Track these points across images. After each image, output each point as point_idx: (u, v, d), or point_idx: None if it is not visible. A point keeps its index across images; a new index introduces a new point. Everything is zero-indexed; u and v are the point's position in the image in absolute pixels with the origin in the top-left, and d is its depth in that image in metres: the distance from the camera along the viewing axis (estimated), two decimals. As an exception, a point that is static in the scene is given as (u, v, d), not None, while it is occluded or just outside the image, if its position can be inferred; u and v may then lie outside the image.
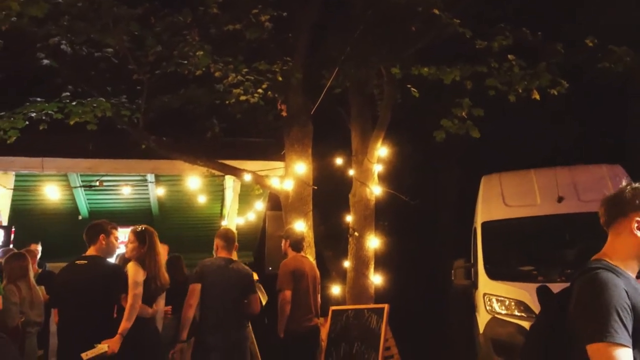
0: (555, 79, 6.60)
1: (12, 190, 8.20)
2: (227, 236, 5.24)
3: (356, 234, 7.34)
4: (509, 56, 6.52)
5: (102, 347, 4.09)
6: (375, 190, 7.52)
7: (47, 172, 8.28)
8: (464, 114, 6.40)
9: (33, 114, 6.42)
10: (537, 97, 6.50)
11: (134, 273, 4.34)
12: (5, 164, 7.84)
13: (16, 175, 8.31)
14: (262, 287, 6.63)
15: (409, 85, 6.90)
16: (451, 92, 6.77)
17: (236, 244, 5.37)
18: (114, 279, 4.40)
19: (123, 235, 8.82)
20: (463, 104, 6.45)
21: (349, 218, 7.58)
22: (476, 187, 8.19)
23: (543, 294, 2.35)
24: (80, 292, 4.33)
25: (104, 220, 4.70)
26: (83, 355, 4.05)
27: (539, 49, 6.69)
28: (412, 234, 12.81)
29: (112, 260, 5.06)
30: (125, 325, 4.17)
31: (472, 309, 7.71)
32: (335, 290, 7.73)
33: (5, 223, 8.07)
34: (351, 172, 7.67)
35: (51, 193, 8.36)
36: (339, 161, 7.95)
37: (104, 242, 4.50)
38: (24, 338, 5.36)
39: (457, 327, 11.46)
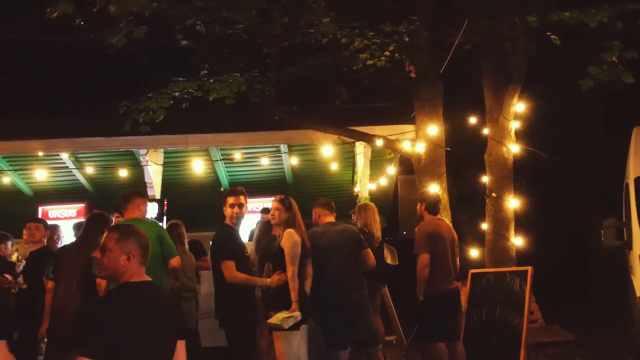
0: None
1: (162, 166, 8.90)
2: (327, 203, 5.37)
3: (494, 195, 7.07)
4: (667, -11, 5.81)
5: (298, 314, 4.36)
6: (513, 148, 7.16)
7: (191, 148, 8.88)
8: (614, 58, 5.80)
9: (176, 93, 6.86)
10: (702, 32, 5.74)
11: (295, 242, 4.53)
12: (154, 142, 8.52)
13: (164, 152, 9.00)
14: (395, 251, 6.64)
15: (548, 33, 6.40)
16: (596, 36, 6.17)
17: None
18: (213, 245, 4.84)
19: (257, 205, 9.31)
20: (613, 47, 5.84)
21: (485, 179, 7.31)
22: (621, 140, 7.48)
23: None
24: None
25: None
26: (284, 325, 4.31)
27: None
28: (553, 193, 12.09)
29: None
30: (295, 295, 4.44)
31: (624, 271, 7.15)
32: (473, 253, 7.53)
33: (158, 197, 8.81)
34: (485, 131, 7.36)
35: (195, 167, 8.97)
36: (472, 120, 7.64)
37: (224, 212, 4.89)
38: (180, 301, 5.82)
39: (606, 290, 10.73)
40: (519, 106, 7.13)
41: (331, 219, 5.26)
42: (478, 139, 7.65)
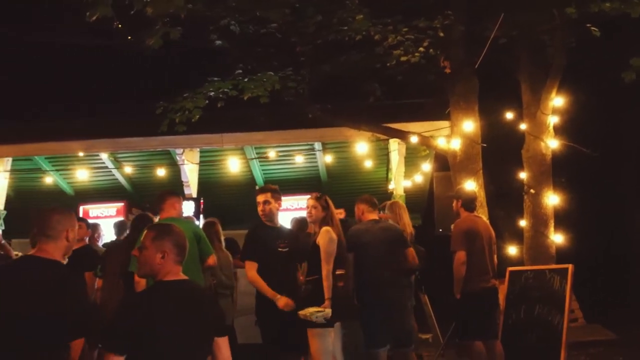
0: None
1: (198, 165, 9.02)
2: (371, 200, 5.33)
3: (532, 191, 6.94)
4: None
5: (328, 311, 4.39)
6: (551, 143, 7.01)
7: (227, 147, 8.97)
8: (657, 50, 5.64)
9: (212, 93, 6.94)
10: None
11: (328, 243, 4.53)
12: (190, 141, 8.65)
13: (200, 151, 9.12)
14: (422, 251, 6.58)
15: (588, 25, 6.24)
16: (638, 27, 5.99)
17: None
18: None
19: (292, 203, 9.35)
20: (656, 38, 5.68)
21: (523, 175, 7.18)
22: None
23: None
24: None
25: None
26: (313, 318, 4.35)
27: None
28: (594, 189, 11.80)
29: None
30: (328, 293, 4.44)
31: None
32: (511, 250, 7.41)
33: (194, 195, 8.94)
34: (523, 126, 7.23)
35: (231, 165, 9.06)
36: (508, 115, 7.50)
37: None
38: (218, 298, 5.91)
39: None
40: (558, 100, 6.98)
41: (374, 216, 5.26)
42: (515, 135, 7.51)
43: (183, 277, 2.70)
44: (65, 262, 3.03)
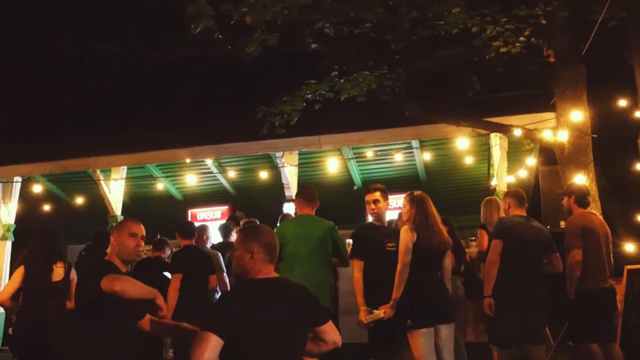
0: None
1: (297, 167, 9.20)
2: (519, 194, 5.25)
3: (650, 183, 6.45)
4: None
5: (379, 313, 4.45)
6: (670, 131, 6.47)
7: (325, 148, 9.08)
8: None
9: (309, 95, 7.07)
10: None
11: (405, 240, 4.50)
12: (289, 144, 8.83)
13: (299, 153, 9.30)
14: None
15: None
16: None
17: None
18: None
19: (390, 202, 9.29)
20: None
21: (639, 166, 6.69)
22: None
23: None
24: None
25: None
26: (363, 319, 4.50)
27: None
28: None
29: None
30: (396, 293, 4.42)
31: None
32: (628, 248, 6.92)
33: (294, 197, 9.13)
34: (638, 114, 6.72)
35: (329, 166, 9.16)
36: (621, 103, 7.01)
37: None
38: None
39: None
40: (677, 84, 6.42)
41: (522, 212, 5.18)
42: (629, 123, 7.01)
43: (274, 275, 2.83)
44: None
